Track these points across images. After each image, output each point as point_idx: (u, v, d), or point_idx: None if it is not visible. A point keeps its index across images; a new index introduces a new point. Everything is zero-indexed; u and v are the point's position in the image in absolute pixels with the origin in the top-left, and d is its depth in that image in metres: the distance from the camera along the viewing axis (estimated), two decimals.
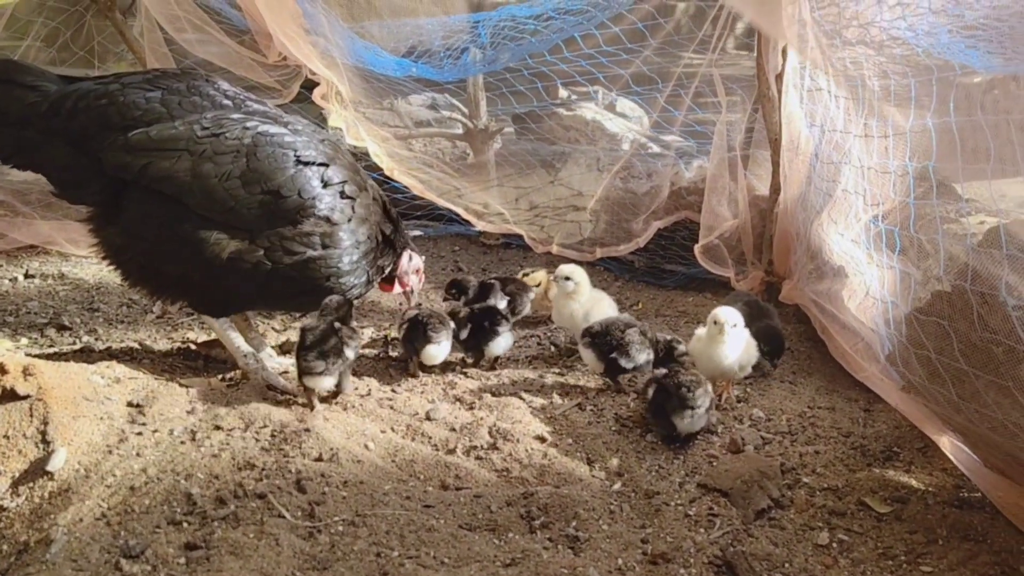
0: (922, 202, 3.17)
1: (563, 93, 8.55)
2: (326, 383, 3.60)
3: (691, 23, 5.93)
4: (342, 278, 3.87)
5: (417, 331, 4.12)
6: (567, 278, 4.48)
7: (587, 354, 4.00)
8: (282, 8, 5.57)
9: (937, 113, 3.14)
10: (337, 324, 3.68)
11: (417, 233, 7.12)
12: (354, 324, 3.85)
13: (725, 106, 5.36)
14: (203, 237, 3.56)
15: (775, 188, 5.18)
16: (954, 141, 3.04)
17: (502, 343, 4.24)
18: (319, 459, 3.22)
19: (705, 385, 3.51)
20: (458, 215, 6.59)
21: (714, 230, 5.37)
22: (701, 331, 3.92)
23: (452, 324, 4.20)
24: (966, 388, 2.73)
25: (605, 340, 3.92)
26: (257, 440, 3.33)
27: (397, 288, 4.43)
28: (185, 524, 2.81)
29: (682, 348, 4.01)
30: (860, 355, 3.69)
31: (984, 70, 3.04)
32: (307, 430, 3.35)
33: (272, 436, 3.35)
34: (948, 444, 3.21)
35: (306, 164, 3.67)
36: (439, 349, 4.14)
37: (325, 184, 3.71)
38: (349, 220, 3.80)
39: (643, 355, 3.90)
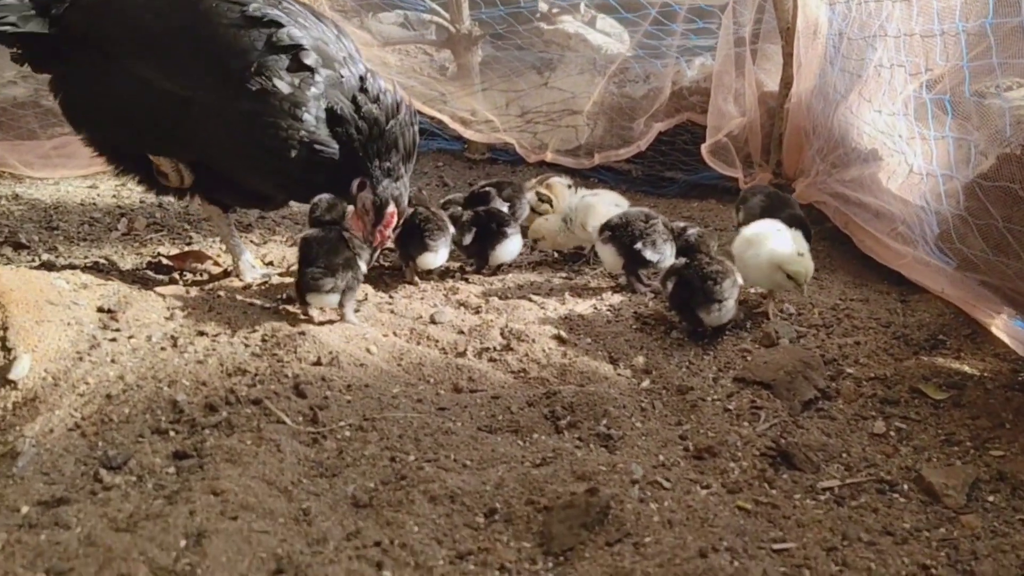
0: (978, 63, 2.87)
1: (543, 6, 8.11)
2: (333, 300, 3.22)
3: None
4: (274, 158, 3.23)
5: (413, 236, 3.77)
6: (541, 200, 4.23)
7: (605, 251, 3.69)
8: None
9: None
10: (347, 233, 3.27)
11: None
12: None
13: None
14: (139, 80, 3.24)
15: (787, 81, 4.87)
16: None
17: (510, 247, 3.93)
18: (318, 363, 2.89)
19: (733, 275, 3.22)
20: (442, 127, 6.21)
21: (721, 129, 5.05)
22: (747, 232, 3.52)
23: (451, 228, 3.86)
24: None
25: (627, 232, 3.61)
26: (247, 345, 2.99)
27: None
28: (172, 433, 2.48)
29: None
30: (900, 240, 3.42)
31: None
32: (302, 334, 3.02)
33: (263, 341, 3.01)
34: (1003, 326, 2.97)
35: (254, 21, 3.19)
36: (436, 257, 3.81)
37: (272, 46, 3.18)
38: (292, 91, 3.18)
39: (668, 248, 3.60)
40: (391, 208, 3.29)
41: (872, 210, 3.66)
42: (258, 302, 3.40)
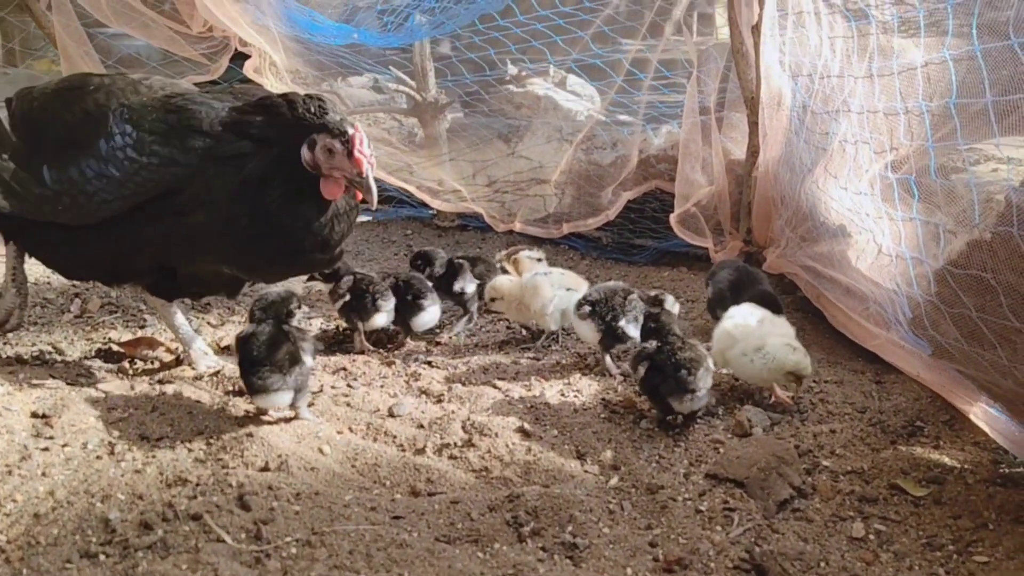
0: (944, 144, 2.82)
1: (512, 70, 8.13)
2: (283, 400, 3.01)
3: None
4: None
5: (363, 300, 3.82)
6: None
7: (583, 327, 3.57)
8: None
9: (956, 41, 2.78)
10: (284, 325, 3.13)
11: (366, 218, 6.63)
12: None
13: (696, 63, 4.98)
14: None
15: (753, 150, 4.83)
16: (979, 74, 2.69)
17: (426, 317, 3.90)
18: (265, 468, 2.73)
19: (706, 363, 3.11)
20: (410, 195, 6.11)
21: (689, 198, 4.99)
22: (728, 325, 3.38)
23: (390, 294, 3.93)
24: (1018, 348, 2.37)
25: (607, 307, 3.50)
26: (190, 450, 2.82)
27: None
28: (102, 556, 2.29)
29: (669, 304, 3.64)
30: (872, 321, 3.33)
31: None
32: (249, 435, 2.85)
33: (208, 444, 2.85)
34: (982, 414, 2.86)
35: None
36: (384, 317, 3.88)
37: None
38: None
39: None
40: (349, 130, 2.87)
41: (843, 287, 3.58)
42: (206, 398, 3.23)
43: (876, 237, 3.23)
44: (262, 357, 2.97)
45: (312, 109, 2.90)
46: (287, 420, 3.05)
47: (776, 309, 3.51)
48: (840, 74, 3.60)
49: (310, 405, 3.18)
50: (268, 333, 3.07)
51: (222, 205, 2.94)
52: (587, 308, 3.57)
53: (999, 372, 2.46)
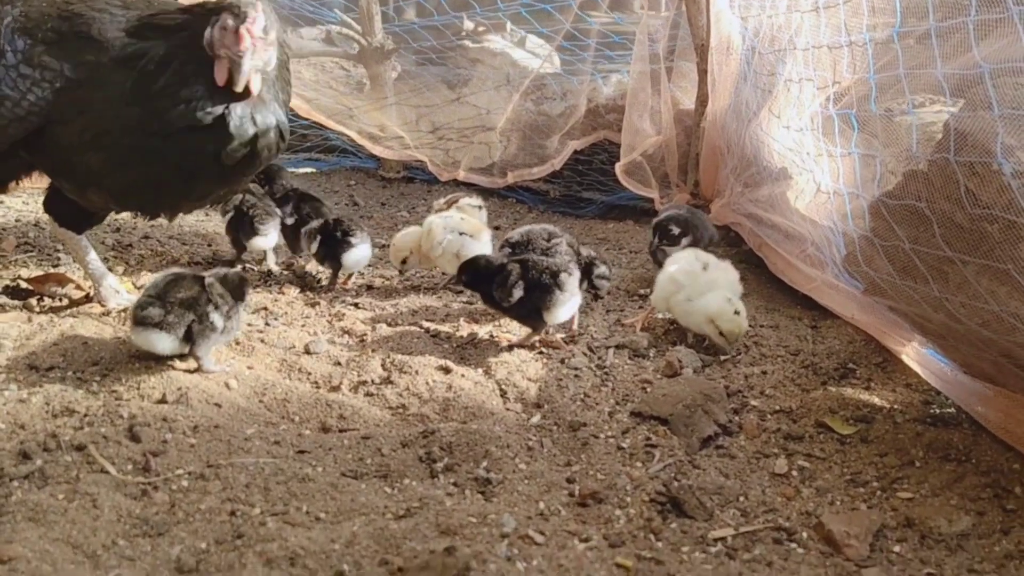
0: (885, 75, 2.70)
1: (468, 24, 7.91)
2: (164, 344, 2.69)
3: None
4: None
5: (242, 222, 3.84)
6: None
7: None
8: None
9: None
10: (210, 279, 2.83)
11: (308, 168, 6.41)
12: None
13: (646, 10, 4.83)
14: None
15: (702, 99, 4.71)
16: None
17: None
18: (162, 401, 2.56)
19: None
20: (354, 144, 5.90)
21: (636, 148, 4.87)
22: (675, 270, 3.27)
23: (278, 213, 3.92)
24: (950, 279, 2.28)
25: (527, 250, 3.37)
26: (82, 380, 2.64)
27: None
28: None
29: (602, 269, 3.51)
30: (809, 262, 3.24)
31: None
32: (148, 368, 2.68)
33: (102, 376, 2.67)
34: (914, 354, 2.79)
35: None
36: (266, 240, 3.89)
37: None
38: None
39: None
40: (250, 10, 2.68)
41: (783, 231, 3.49)
42: (108, 332, 3.04)
43: (816, 175, 3.13)
44: (154, 291, 2.73)
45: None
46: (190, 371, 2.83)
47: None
48: (788, 9, 3.48)
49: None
50: (184, 275, 2.82)
51: (106, 109, 2.75)
52: (507, 251, 3.42)
53: (931, 306, 2.37)
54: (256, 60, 2.72)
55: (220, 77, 2.72)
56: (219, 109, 2.74)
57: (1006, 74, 2.23)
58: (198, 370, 2.76)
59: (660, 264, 3.57)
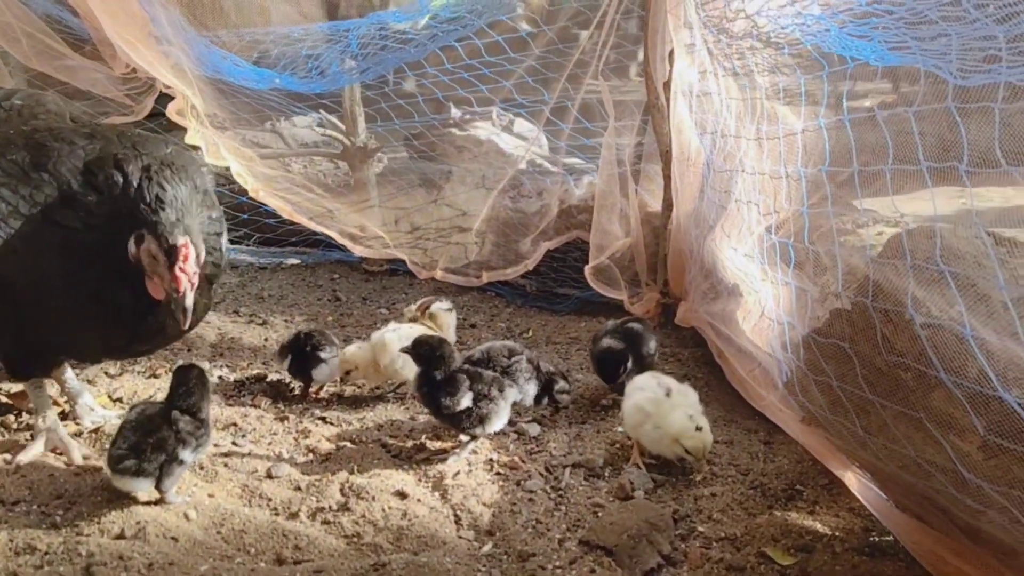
0: (816, 211, 2.85)
1: (455, 112, 8.17)
2: (142, 485, 2.79)
3: (577, 29, 5.59)
4: None
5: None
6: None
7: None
8: (123, 12, 4.97)
9: (830, 112, 2.84)
10: (176, 413, 2.89)
11: (293, 261, 6.56)
12: (203, 414, 2.99)
13: (613, 118, 5.02)
14: None
15: (667, 203, 4.87)
16: (848, 144, 2.73)
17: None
18: (120, 536, 2.64)
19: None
20: (334, 239, 6.07)
21: (605, 249, 5.01)
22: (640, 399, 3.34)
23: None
24: (872, 420, 2.37)
25: (488, 367, 3.49)
26: (46, 515, 2.73)
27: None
28: None
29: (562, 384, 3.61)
30: (757, 382, 3.34)
31: (878, 63, 2.74)
32: (110, 500, 2.76)
33: (65, 510, 2.75)
34: (855, 481, 2.86)
35: None
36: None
37: None
38: None
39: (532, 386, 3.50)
40: (181, 239, 2.68)
41: (736, 346, 3.59)
42: (76, 457, 3.13)
43: (760, 299, 3.25)
44: (127, 436, 2.82)
45: (149, 199, 2.74)
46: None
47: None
48: (736, 134, 3.65)
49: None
50: (151, 416, 2.88)
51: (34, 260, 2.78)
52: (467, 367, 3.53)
53: (857, 442, 2.46)
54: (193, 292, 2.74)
55: (156, 293, 2.76)
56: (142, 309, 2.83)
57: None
58: (160, 502, 2.85)
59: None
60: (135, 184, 2.78)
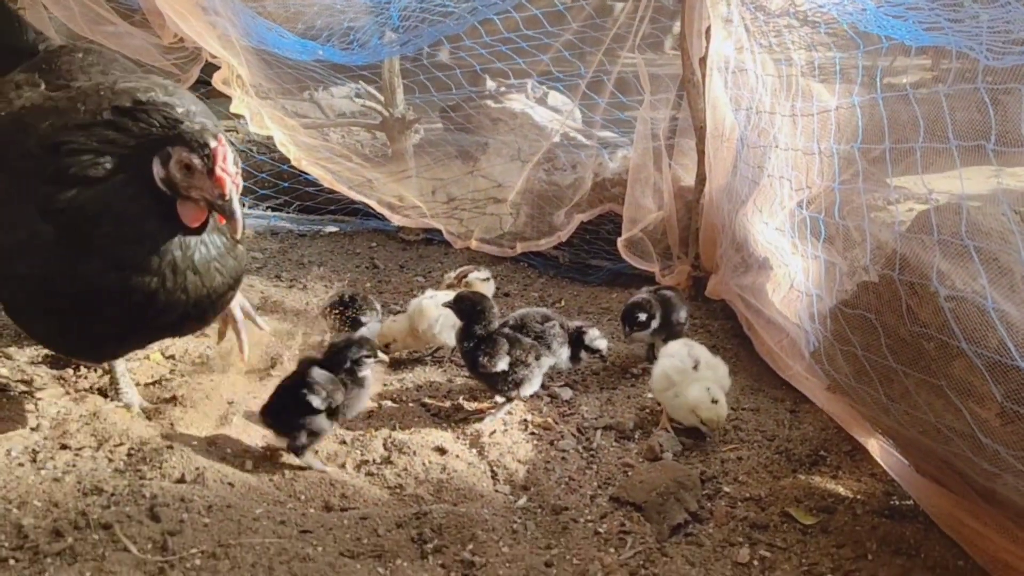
0: (848, 187, 2.93)
1: (490, 84, 8.25)
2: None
3: (611, 5, 5.64)
4: None
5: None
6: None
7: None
8: None
9: (864, 90, 2.91)
10: (310, 377, 3.06)
11: (332, 229, 6.73)
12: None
13: (649, 92, 5.09)
14: None
15: (700, 178, 4.94)
16: (881, 122, 2.81)
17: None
18: (181, 480, 2.82)
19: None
20: (372, 208, 6.22)
21: (637, 223, 5.10)
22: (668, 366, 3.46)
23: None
24: (895, 388, 2.48)
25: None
26: (111, 460, 2.92)
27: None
28: (12, 561, 2.38)
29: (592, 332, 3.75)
30: (785, 352, 3.45)
31: (912, 43, 2.80)
32: (170, 447, 2.95)
33: (129, 455, 2.94)
34: (877, 447, 2.97)
35: None
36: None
37: None
38: None
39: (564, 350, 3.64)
40: (211, 142, 2.47)
41: (765, 317, 3.69)
42: (136, 404, 3.32)
43: (790, 272, 3.35)
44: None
45: (159, 120, 2.55)
46: (211, 439, 3.11)
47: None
48: (771, 110, 3.72)
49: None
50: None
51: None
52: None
53: (880, 409, 2.57)
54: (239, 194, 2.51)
55: (196, 217, 2.56)
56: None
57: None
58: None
59: (646, 355, 3.88)
60: (140, 114, 2.59)
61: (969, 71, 2.45)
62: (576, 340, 3.70)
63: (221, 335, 3.55)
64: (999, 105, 2.31)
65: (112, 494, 2.70)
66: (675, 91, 5.25)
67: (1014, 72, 2.28)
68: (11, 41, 3.38)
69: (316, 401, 2.99)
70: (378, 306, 4.17)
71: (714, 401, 3.24)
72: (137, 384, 3.56)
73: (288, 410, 3.02)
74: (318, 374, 3.07)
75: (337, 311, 4.05)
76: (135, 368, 3.66)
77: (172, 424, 3.19)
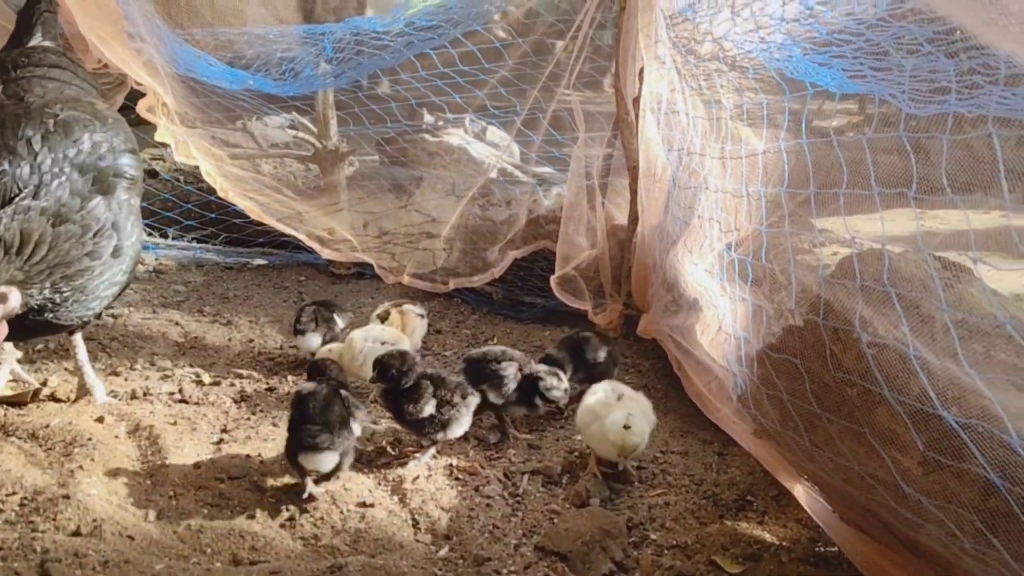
0: (775, 229, 2.93)
1: (428, 118, 8.21)
2: (329, 461, 3.01)
3: (549, 44, 5.67)
4: None
5: None
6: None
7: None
8: (98, 8, 4.95)
9: (789, 135, 2.93)
10: (343, 390, 3.22)
11: (260, 262, 6.55)
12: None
13: (583, 130, 5.10)
14: None
15: (633, 217, 4.95)
16: (807, 166, 2.82)
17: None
18: (76, 534, 2.63)
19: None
20: (302, 242, 6.07)
21: (571, 260, 5.07)
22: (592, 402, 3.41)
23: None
24: (819, 434, 2.46)
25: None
26: (1, 511, 2.70)
27: None
28: None
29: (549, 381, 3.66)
30: (714, 394, 3.42)
31: (837, 90, 2.84)
32: (66, 497, 2.75)
33: (21, 505, 2.74)
34: (803, 493, 2.95)
35: None
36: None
37: None
38: None
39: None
40: None
41: (695, 359, 3.67)
42: (39, 452, 3.11)
43: (719, 313, 3.33)
44: (316, 415, 3.02)
45: None
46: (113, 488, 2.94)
47: None
48: (701, 152, 3.74)
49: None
50: (324, 393, 3.11)
51: None
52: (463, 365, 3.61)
53: (805, 455, 2.54)
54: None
55: None
56: None
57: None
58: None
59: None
60: None
61: (893, 116, 2.48)
62: (528, 387, 3.60)
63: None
64: (921, 151, 2.33)
65: (1, 548, 2.50)
66: (610, 130, 5.27)
67: (936, 120, 2.31)
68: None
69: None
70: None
71: (626, 427, 3.15)
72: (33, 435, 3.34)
73: None
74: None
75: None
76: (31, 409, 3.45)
77: (72, 472, 2.98)
